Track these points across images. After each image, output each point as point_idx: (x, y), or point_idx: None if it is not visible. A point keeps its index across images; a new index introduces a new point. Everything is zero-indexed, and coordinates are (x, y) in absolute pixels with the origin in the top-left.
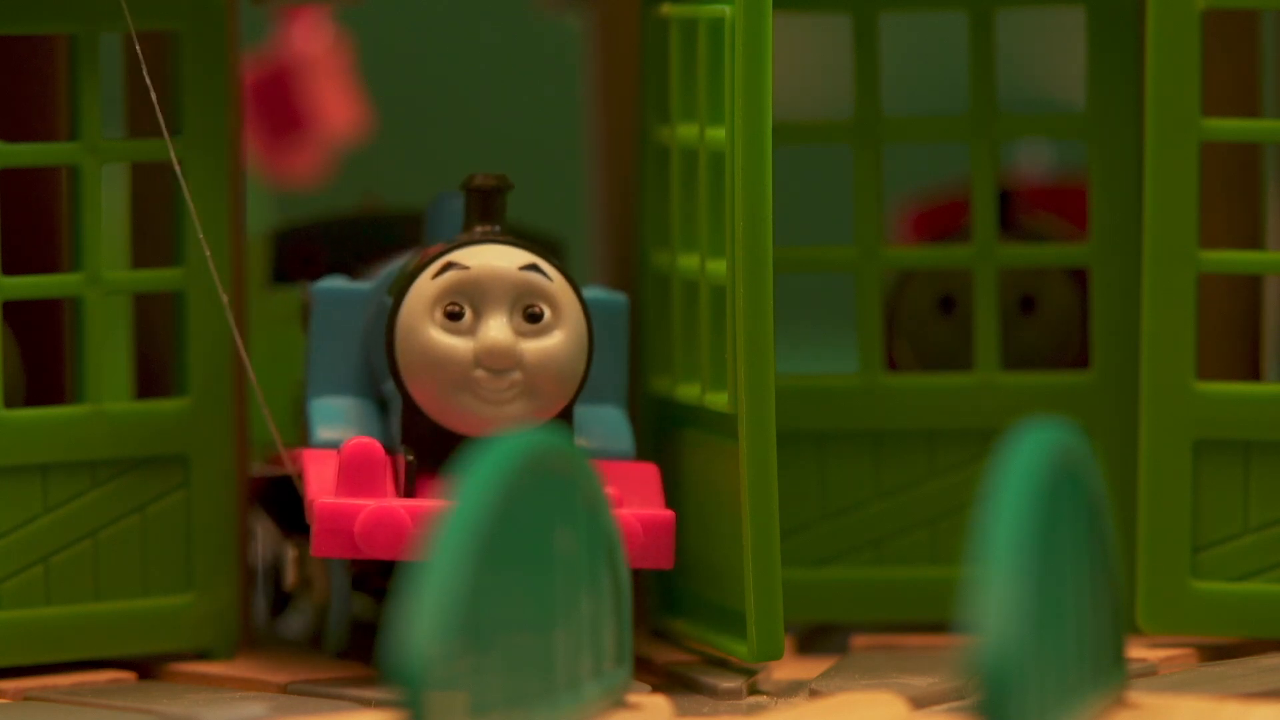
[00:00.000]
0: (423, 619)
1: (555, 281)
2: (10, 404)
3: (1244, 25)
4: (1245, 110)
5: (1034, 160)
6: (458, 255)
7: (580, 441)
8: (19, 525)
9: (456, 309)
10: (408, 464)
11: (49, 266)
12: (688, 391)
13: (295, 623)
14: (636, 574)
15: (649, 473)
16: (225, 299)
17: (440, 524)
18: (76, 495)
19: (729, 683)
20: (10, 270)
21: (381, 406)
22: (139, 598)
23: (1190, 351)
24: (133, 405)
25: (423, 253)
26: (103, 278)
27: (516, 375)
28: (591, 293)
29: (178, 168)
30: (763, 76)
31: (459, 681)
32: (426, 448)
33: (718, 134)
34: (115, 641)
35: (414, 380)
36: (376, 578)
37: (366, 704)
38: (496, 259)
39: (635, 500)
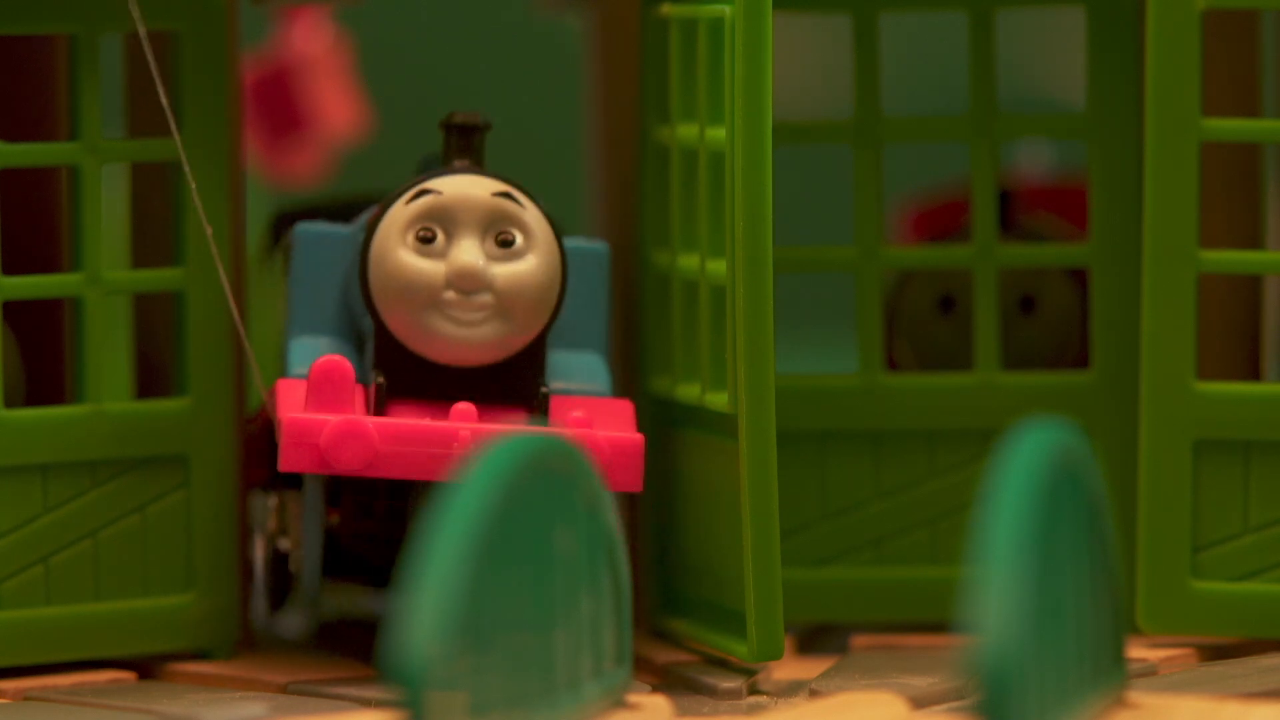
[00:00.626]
0: (422, 618)
1: (528, 209)
2: (10, 404)
3: (1244, 25)
4: (1245, 110)
5: (1034, 160)
6: (432, 183)
7: (557, 383)
8: (19, 525)
9: (429, 233)
10: (378, 386)
11: (49, 266)
12: (687, 391)
13: (292, 620)
14: (636, 574)
15: (623, 406)
16: (225, 282)
17: (439, 522)
18: (76, 495)
19: (729, 683)
20: (10, 270)
21: (359, 347)
22: (139, 598)
23: (1190, 351)
24: (133, 405)
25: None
26: (103, 278)
27: (487, 297)
28: (571, 241)
29: (186, 166)
30: (763, 76)
31: (459, 681)
32: (398, 375)
33: (718, 134)
34: (115, 641)
35: (386, 304)
36: (352, 523)
37: (366, 704)
38: (470, 187)
39: (606, 426)
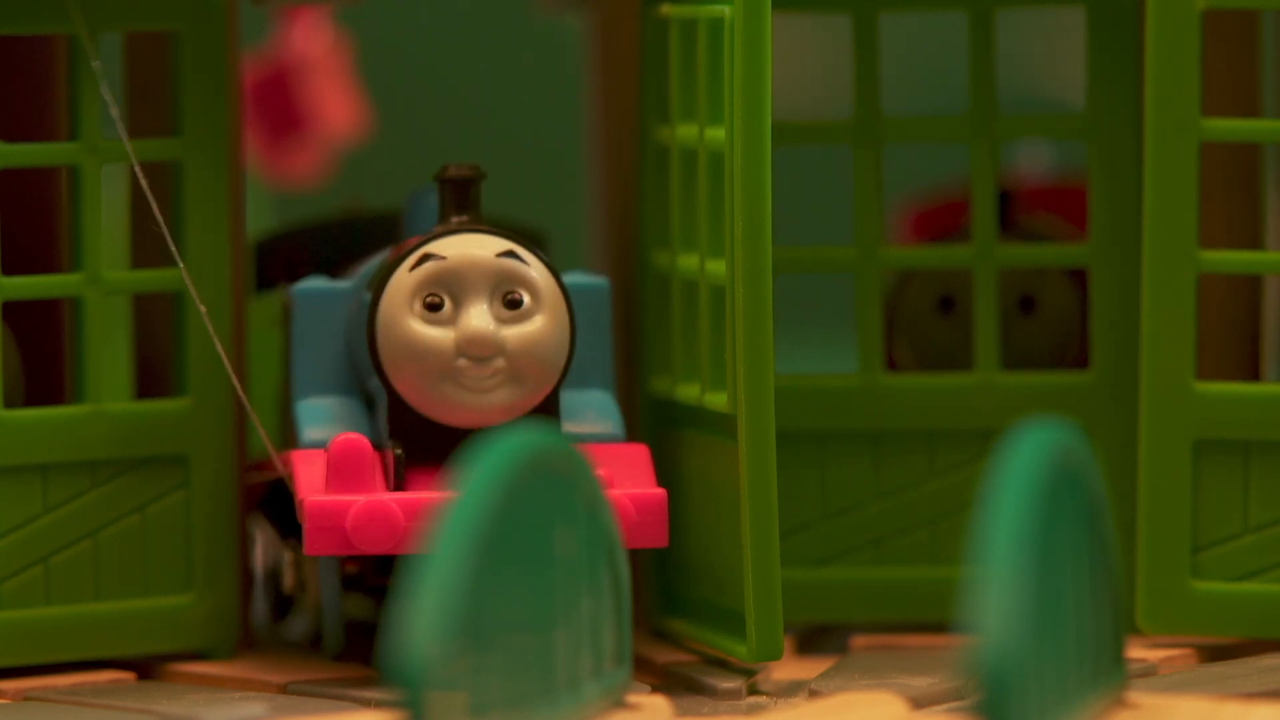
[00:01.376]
0: (422, 619)
1: (533, 267)
2: (10, 404)
3: (1244, 25)
4: (1245, 110)
5: (1034, 160)
6: (434, 246)
7: (569, 426)
8: (19, 525)
9: (436, 300)
10: (396, 458)
11: (49, 266)
12: (687, 392)
13: (297, 626)
14: (636, 574)
15: (639, 453)
16: (203, 309)
17: (440, 523)
18: (77, 495)
19: (728, 683)
20: (10, 270)
21: (367, 404)
22: (138, 598)
23: (1190, 351)
24: (132, 405)
25: (399, 246)
26: (103, 278)
27: (500, 362)
28: (572, 278)
29: (143, 178)
30: (762, 76)
31: (459, 681)
32: (414, 441)
33: (717, 134)
34: (115, 641)
35: (397, 374)
36: (373, 576)
37: (366, 704)
38: (473, 248)
39: (627, 480)
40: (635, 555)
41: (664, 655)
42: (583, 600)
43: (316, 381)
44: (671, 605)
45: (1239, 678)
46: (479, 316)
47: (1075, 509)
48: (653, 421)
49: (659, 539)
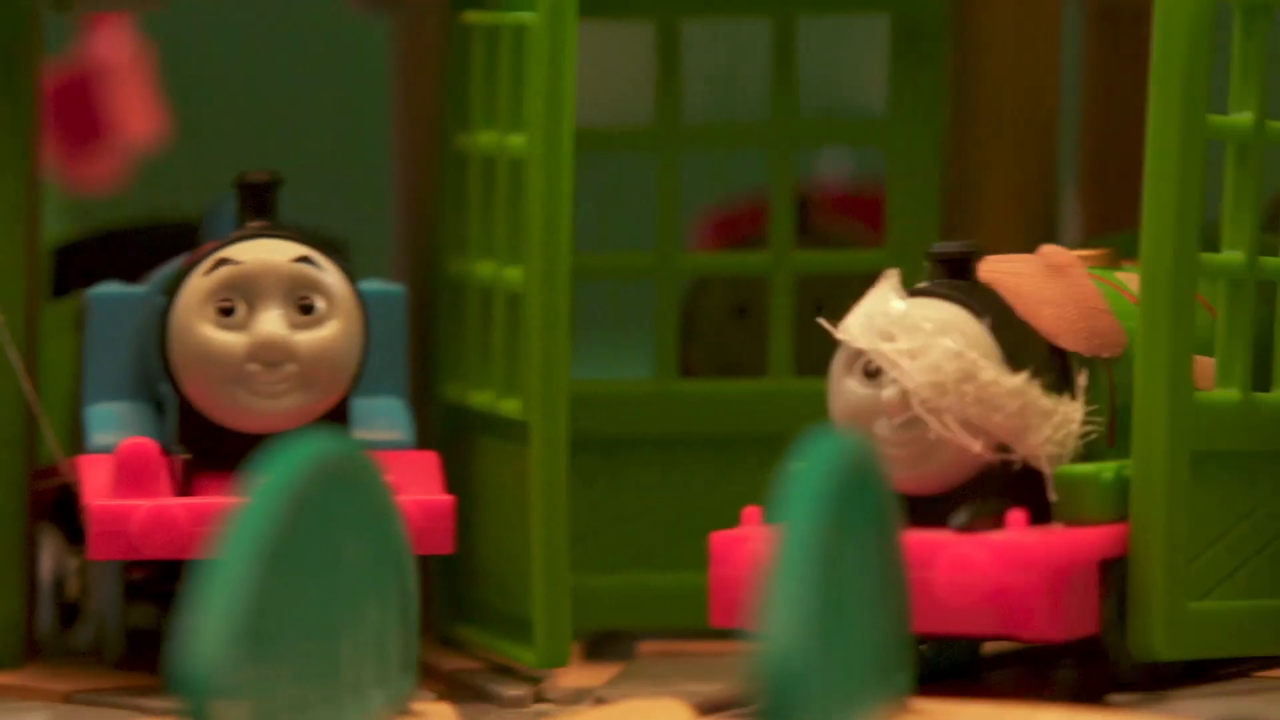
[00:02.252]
0: (207, 627)
1: (328, 273)
2: None
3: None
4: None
5: (836, 167)
6: (229, 251)
7: (359, 433)
8: None
9: (229, 304)
10: (184, 463)
11: None
12: (481, 398)
13: (82, 636)
14: (425, 581)
15: (429, 460)
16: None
17: (226, 530)
18: None
19: (515, 690)
20: None
21: (159, 410)
22: None
23: (1189, 363)
24: None
25: (196, 251)
26: None
27: (291, 368)
28: (368, 284)
29: None
30: (564, 83)
31: (244, 690)
32: (203, 446)
33: (518, 141)
34: None
35: (188, 378)
36: (158, 583)
37: (151, 713)
38: (268, 253)
39: (414, 487)
40: (425, 562)
41: (451, 662)
42: (370, 608)
43: (108, 386)
44: (461, 612)
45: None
46: (271, 321)
47: (864, 515)
48: (447, 428)
49: (444, 546)
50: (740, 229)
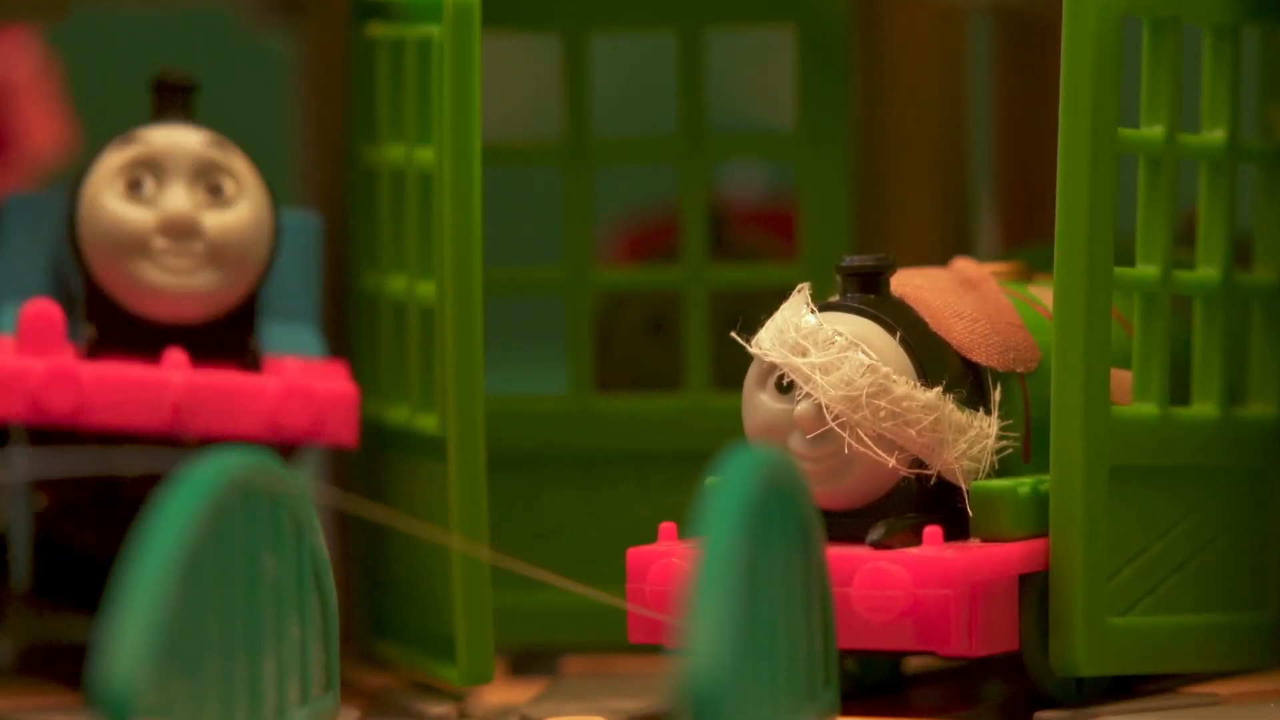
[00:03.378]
0: (126, 645)
1: (238, 159)
2: None
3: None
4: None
5: (746, 181)
6: (141, 131)
7: (270, 352)
8: None
9: (138, 180)
10: (90, 342)
11: None
12: (396, 414)
13: (4, 651)
14: (347, 597)
15: (335, 365)
16: None
17: (143, 545)
18: None
19: (438, 708)
20: None
21: (72, 312)
22: None
23: (1106, 376)
24: None
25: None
26: None
27: (198, 246)
28: (283, 214)
29: None
30: (471, 97)
31: (164, 708)
32: (109, 330)
33: (426, 155)
34: None
35: (95, 254)
36: (66, 519)
37: None
38: (180, 135)
39: (323, 381)
40: (346, 578)
41: (374, 680)
42: (290, 624)
43: (22, 285)
44: (382, 629)
45: None
46: (179, 197)
47: (784, 530)
48: (363, 444)
49: (348, 436)
50: (653, 243)
